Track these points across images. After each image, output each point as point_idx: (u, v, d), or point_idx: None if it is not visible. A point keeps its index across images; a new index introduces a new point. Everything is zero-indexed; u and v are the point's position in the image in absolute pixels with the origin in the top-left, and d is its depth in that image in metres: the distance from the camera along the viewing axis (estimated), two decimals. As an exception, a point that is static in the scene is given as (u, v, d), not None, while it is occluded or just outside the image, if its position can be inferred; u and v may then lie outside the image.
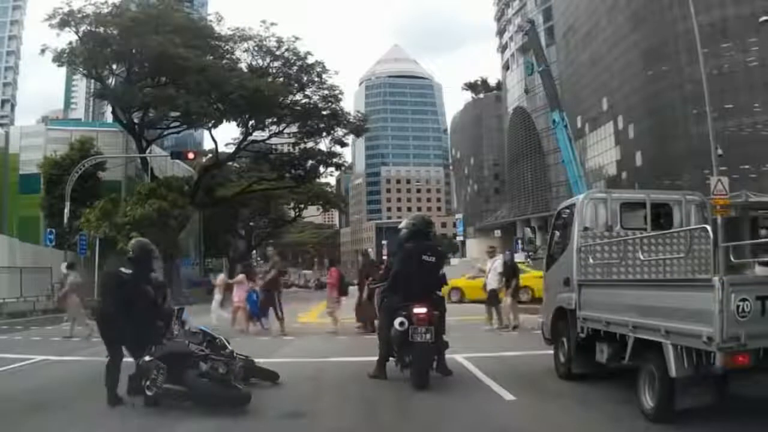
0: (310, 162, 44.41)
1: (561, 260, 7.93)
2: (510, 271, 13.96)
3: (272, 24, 41.90)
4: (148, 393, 6.22)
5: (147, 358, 6.32)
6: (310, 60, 39.50)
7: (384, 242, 78.39)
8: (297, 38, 39.30)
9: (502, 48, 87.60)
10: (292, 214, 63.95)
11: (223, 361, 6.68)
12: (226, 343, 7.31)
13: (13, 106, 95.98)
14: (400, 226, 8.40)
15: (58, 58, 34.18)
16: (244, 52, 39.07)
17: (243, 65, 39.05)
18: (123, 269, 6.85)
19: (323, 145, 43.74)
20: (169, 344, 6.66)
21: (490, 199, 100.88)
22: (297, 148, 44.39)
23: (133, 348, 6.58)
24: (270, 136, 43.36)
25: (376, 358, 7.89)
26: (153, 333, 6.70)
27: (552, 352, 8.04)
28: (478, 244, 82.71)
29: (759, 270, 6.66)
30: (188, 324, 7.49)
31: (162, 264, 8.85)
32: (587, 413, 6.00)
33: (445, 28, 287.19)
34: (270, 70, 39.55)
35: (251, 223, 61.44)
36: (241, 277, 14.49)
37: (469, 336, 11.80)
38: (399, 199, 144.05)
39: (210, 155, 46.59)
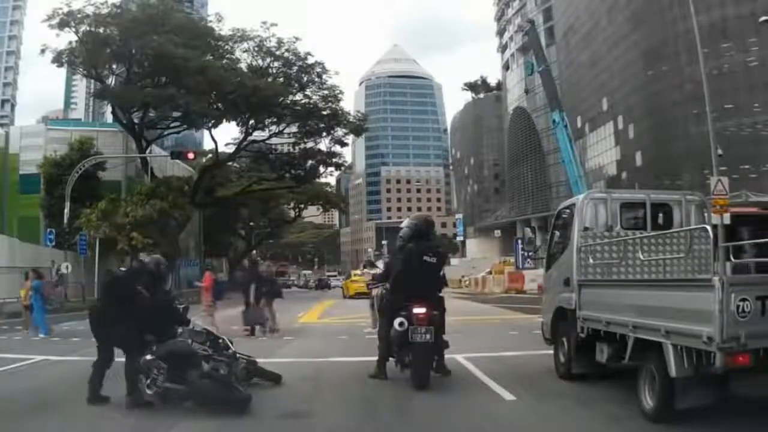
0: (310, 162, 44.44)
1: (561, 260, 7.93)
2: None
3: (272, 24, 42.00)
4: (149, 392, 6.21)
5: (148, 356, 6.29)
6: (310, 60, 39.60)
7: (384, 242, 78.39)
8: (297, 38, 39.43)
9: (502, 48, 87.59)
10: (292, 214, 63.92)
11: (225, 362, 6.67)
12: (229, 344, 7.30)
13: (13, 106, 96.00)
14: (401, 225, 8.40)
15: (58, 59, 34.18)
16: (244, 52, 39.13)
17: (243, 65, 39.07)
18: (119, 269, 6.93)
19: (323, 145, 43.83)
20: (172, 343, 6.62)
21: (490, 199, 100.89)
22: (297, 148, 44.42)
23: (127, 348, 6.49)
24: (270, 136, 43.39)
25: (376, 358, 7.90)
26: (154, 332, 6.66)
27: (552, 352, 8.04)
28: (478, 244, 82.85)
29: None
30: (192, 323, 7.48)
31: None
32: (587, 413, 6.00)
33: (445, 28, 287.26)
34: (270, 71, 39.57)
35: (251, 223, 61.42)
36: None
37: (469, 336, 11.80)
38: (399, 199, 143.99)
39: (210, 155, 46.60)
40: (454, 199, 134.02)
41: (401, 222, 8.71)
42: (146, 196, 31.37)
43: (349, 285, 33.43)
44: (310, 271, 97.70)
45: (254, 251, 63.64)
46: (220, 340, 7.30)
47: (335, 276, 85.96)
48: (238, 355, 7.21)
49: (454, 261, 51.27)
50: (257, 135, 42.80)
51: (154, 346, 6.44)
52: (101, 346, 6.60)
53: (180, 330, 7.09)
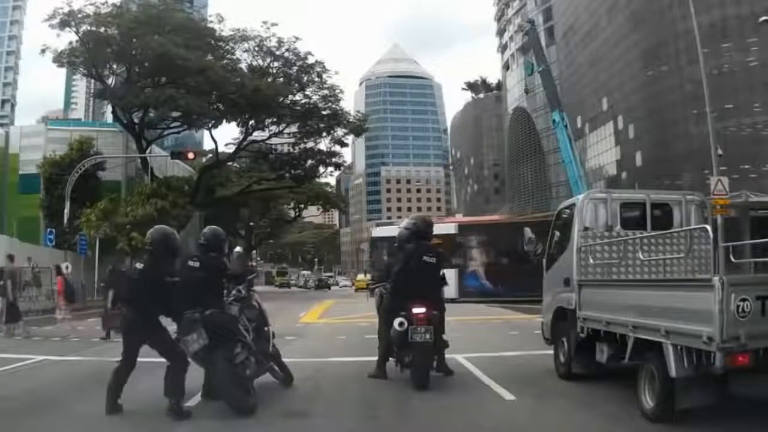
0: (309, 162, 44.43)
1: (561, 260, 7.93)
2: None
3: (273, 24, 41.91)
4: (181, 346, 5.99)
5: (196, 315, 6.01)
6: (310, 60, 39.62)
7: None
8: (297, 38, 39.46)
9: (502, 48, 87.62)
10: (292, 214, 63.94)
11: (257, 359, 6.51)
12: (271, 337, 7.11)
13: (13, 106, 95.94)
14: (400, 226, 8.40)
15: (59, 59, 34.21)
16: (244, 52, 39.17)
17: (243, 65, 39.10)
18: (137, 265, 6.50)
19: (323, 145, 43.83)
20: (219, 313, 6.25)
21: (490, 199, 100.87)
22: (297, 148, 44.41)
23: (171, 353, 6.19)
24: (270, 136, 43.39)
25: (376, 358, 7.90)
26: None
27: (552, 352, 8.04)
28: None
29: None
30: (254, 297, 7.17)
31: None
32: (587, 413, 6.00)
33: (445, 28, 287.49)
34: (270, 70, 39.59)
35: (251, 223, 61.44)
36: None
37: (469, 336, 11.80)
38: (399, 199, 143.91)
39: (210, 155, 46.61)
40: (454, 199, 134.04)
41: (400, 222, 8.71)
42: (147, 196, 31.39)
43: (356, 283, 51.62)
44: (309, 272, 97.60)
45: (254, 251, 63.66)
46: (266, 328, 7.05)
47: (331, 276, 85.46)
48: (271, 351, 7.05)
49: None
50: (257, 135, 42.82)
51: (207, 311, 6.10)
52: (127, 350, 6.26)
53: (238, 294, 6.78)
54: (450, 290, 28.09)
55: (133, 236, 29.28)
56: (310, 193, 51.42)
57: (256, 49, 38.99)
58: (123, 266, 15.36)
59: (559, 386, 7.27)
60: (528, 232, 10.65)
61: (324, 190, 55.94)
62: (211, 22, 40.02)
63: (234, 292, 6.81)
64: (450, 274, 27.34)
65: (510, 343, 11.10)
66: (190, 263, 6.40)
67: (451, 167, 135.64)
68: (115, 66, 36.39)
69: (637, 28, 52.31)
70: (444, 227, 27.57)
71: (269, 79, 38.50)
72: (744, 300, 4.53)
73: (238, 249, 9.49)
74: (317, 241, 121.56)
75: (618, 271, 7.15)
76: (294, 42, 39.08)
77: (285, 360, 7.51)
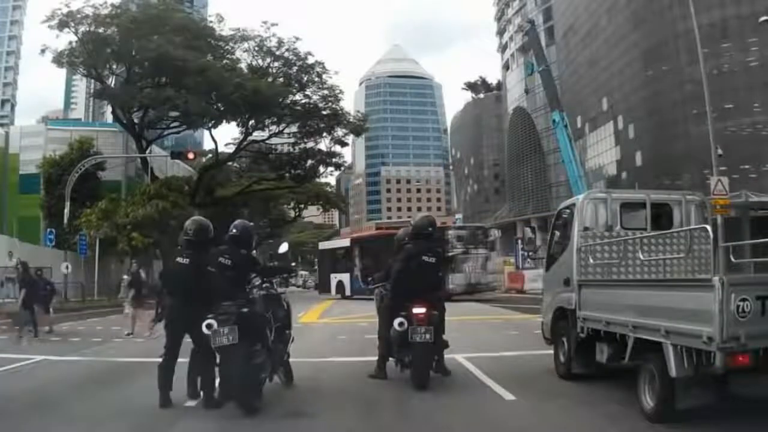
0: (310, 162, 44.38)
1: (561, 260, 7.92)
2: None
3: (273, 24, 41.81)
4: (207, 331, 5.90)
5: (233, 309, 5.96)
6: (310, 60, 39.52)
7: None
8: (297, 38, 39.34)
9: (502, 48, 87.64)
10: (292, 214, 63.84)
11: (272, 366, 6.51)
12: (290, 342, 7.15)
13: (13, 106, 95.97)
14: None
15: (58, 59, 34.18)
16: (244, 52, 39.08)
17: (243, 65, 39.03)
18: (179, 259, 6.53)
19: (323, 145, 43.75)
20: (256, 315, 6.21)
21: (490, 199, 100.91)
22: (297, 148, 44.37)
23: (200, 335, 6.12)
24: (270, 136, 43.32)
25: (376, 358, 7.90)
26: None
27: (552, 352, 8.03)
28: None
29: None
30: (284, 297, 7.19)
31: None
32: (587, 413, 6.00)
33: (446, 28, 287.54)
34: (270, 71, 39.53)
35: (251, 223, 61.28)
36: None
37: (469, 336, 11.79)
38: (399, 199, 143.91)
39: (210, 155, 46.56)
40: (454, 199, 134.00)
41: (401, 222, 8.78)
42: (149, 197, 31.38)
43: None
44: (307, 272, 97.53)
45: (254, 251, 63.55)
46: (287, 332, 7.05)
47: None
48: (286, 358, 7.06)
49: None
50: (257, 135, 42.75)
51: (244, 308, 6.06)
52: (171, 343, 6.35)
53: (269, 288, 6.77)
54: (347, 290, 31.34)
55: (133, 236, 29.28)
56: (310, 193, 51.28)
57: (256, 49, 38.94)
58: (31, 267, 15.38)
59: (559, 386, 7.27)
60: (528, 232, 10.66)
61: (324, 190, 55.78)
62: (211, 22, 39.97)
63: (265, 285, 6.83)
64: (345, 277, 31.75)
65: (510, 343, 11.09)
66: (222, 260, 6.39)
67: (451, 167, 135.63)
68: (114, 66, 36.36)
69: (637, 28, 52.32)
70: (341, 242, 36.82)
71: (269, 79, 38.44)
72: (744, 300, 4.53)
73: (284, 245, 9.55)
74: (317, 241, 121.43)
75: (618, 271, 7.15)
76: (294, 42, 39.03)
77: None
